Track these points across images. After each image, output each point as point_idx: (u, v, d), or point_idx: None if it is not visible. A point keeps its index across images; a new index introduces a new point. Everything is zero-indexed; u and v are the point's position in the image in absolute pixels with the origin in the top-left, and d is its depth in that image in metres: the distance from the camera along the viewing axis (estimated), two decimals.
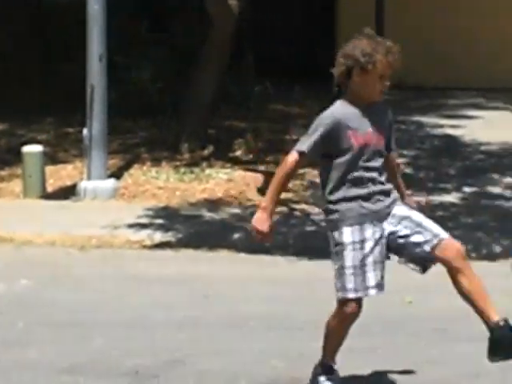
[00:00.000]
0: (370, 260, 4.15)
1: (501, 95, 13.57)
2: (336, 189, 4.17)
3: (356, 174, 4.16)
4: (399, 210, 4.22)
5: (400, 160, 9.52)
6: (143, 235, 7.69)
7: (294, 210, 8.79)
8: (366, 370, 4.85)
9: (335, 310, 4.26)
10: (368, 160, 4.19)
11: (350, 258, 4.15)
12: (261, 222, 4.13)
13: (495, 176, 10.03)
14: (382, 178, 4.23)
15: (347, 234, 4.14)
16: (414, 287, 6.34)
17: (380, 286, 4.17)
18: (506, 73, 14.00)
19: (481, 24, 14.26)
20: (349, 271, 4.15)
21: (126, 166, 9.98)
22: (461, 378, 4.79)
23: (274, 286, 6.62)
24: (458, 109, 13.10)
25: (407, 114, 12.48)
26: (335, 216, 4.16)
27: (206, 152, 10.24)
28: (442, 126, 12.03)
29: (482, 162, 10.68)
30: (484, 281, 4.60)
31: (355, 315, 4.22)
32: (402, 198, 4.46)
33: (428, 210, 4.50)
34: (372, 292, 4.15)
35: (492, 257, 7.60)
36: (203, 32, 10.40)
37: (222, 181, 9.60)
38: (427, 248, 4.08)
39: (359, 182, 4.18)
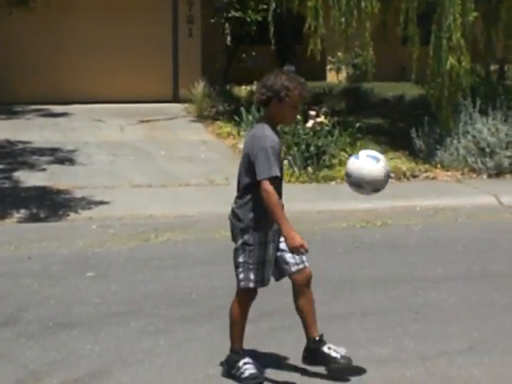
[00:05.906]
0: (267, 259, 4.40)
1: None
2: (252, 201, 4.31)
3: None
4: None
5: None
6: None
7: None
8: None
9: (237, 299, 4.46)
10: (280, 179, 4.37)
11: (256, 256, 4.36)
12: (299, 239, 4.21)
13: None
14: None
15: (256, 237, 4.34)
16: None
17: (268, 281, 4.44)
18: None
19: None
20: (254, 266, 4.36)
21: None
22: None
23: None
24: None
25: None
26: (248, 223, 4.32)
27: None
28: None
29: None
30: None
31: (253, 300, 4.47)
32: None
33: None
34: (266, 283, 4.43)
35: None
36: None
37: None
38: (294, 268, 4.38)
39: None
